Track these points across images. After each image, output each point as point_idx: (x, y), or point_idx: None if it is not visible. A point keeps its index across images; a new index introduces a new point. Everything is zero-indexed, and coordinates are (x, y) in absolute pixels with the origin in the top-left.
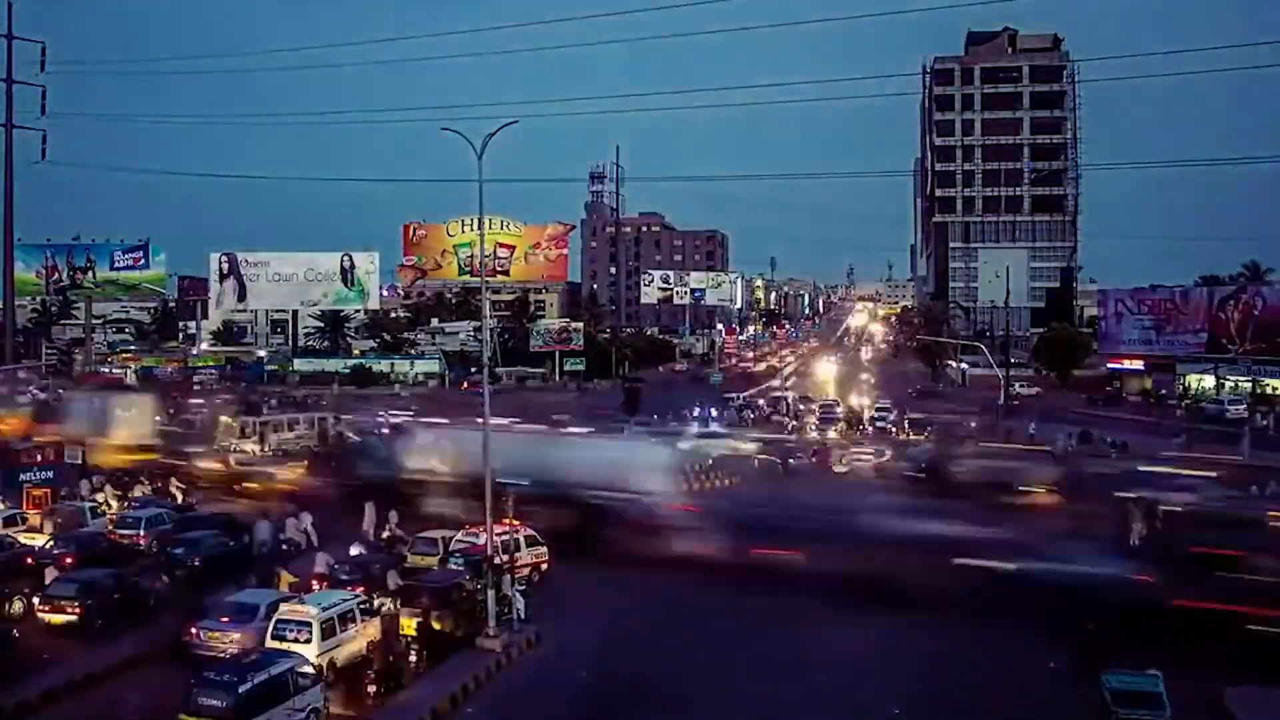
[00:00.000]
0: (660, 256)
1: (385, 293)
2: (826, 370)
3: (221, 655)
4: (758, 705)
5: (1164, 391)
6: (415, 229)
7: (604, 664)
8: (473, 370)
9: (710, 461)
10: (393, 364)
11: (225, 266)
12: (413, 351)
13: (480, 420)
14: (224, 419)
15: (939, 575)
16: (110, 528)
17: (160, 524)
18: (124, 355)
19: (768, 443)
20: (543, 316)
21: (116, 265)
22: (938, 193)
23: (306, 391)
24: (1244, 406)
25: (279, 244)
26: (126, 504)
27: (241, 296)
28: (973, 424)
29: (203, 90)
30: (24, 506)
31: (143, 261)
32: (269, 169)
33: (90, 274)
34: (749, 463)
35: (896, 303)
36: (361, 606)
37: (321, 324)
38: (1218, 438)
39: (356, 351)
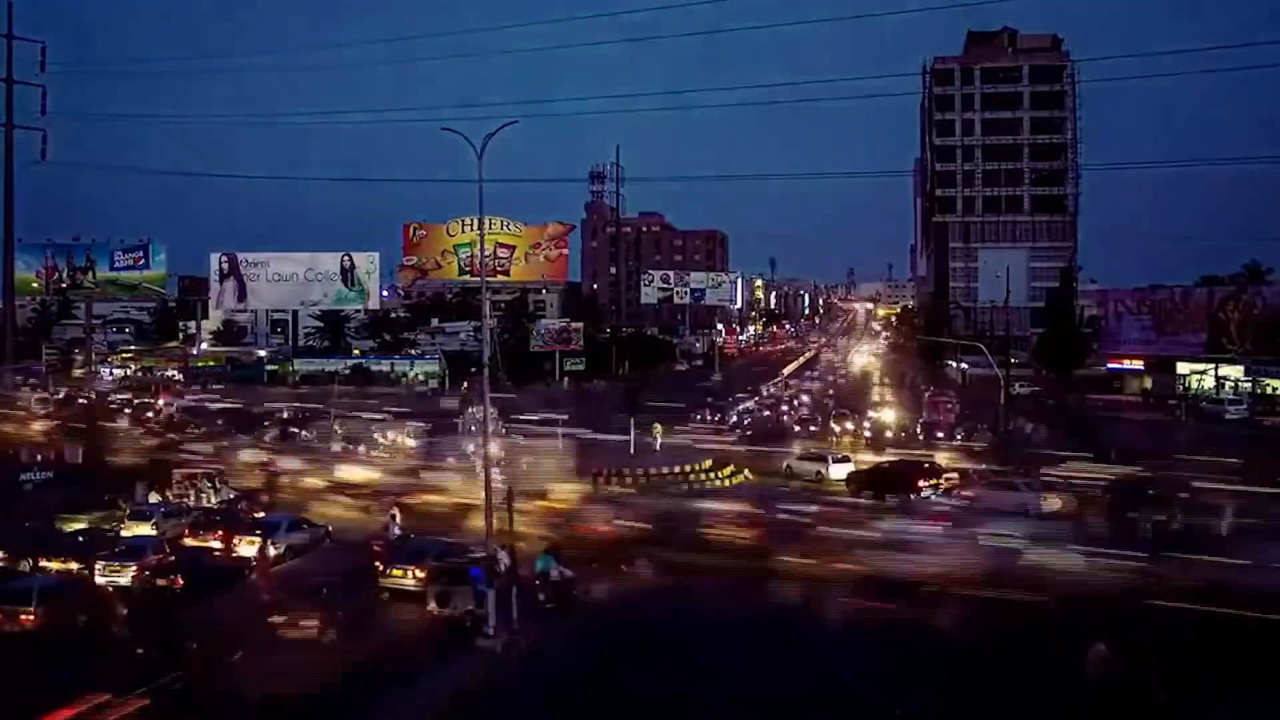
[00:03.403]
0: (660, 256)
1: (385, 293)
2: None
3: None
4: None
5: (1165, 394)
6: (415, 229)
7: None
8: (473, 370)
9: None
10: (393, 364)
11: (225, 266)
12: (413, 351)
13: None
14: None
15: None
16: None
17: None
18: (124, 355)
19: None
20: (543, 316)
21: (116, 265)
22: (938, 193)
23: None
24: (1244, 406)
25: (279, 244)
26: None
27: (241, 296)
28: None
29: (202, 90)
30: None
31: (143, 261)
32: (269, 169)
33: (90, 274)
34: None
35: (896, 303)
36: None
37: (321, 324)
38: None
39: (356, 351)
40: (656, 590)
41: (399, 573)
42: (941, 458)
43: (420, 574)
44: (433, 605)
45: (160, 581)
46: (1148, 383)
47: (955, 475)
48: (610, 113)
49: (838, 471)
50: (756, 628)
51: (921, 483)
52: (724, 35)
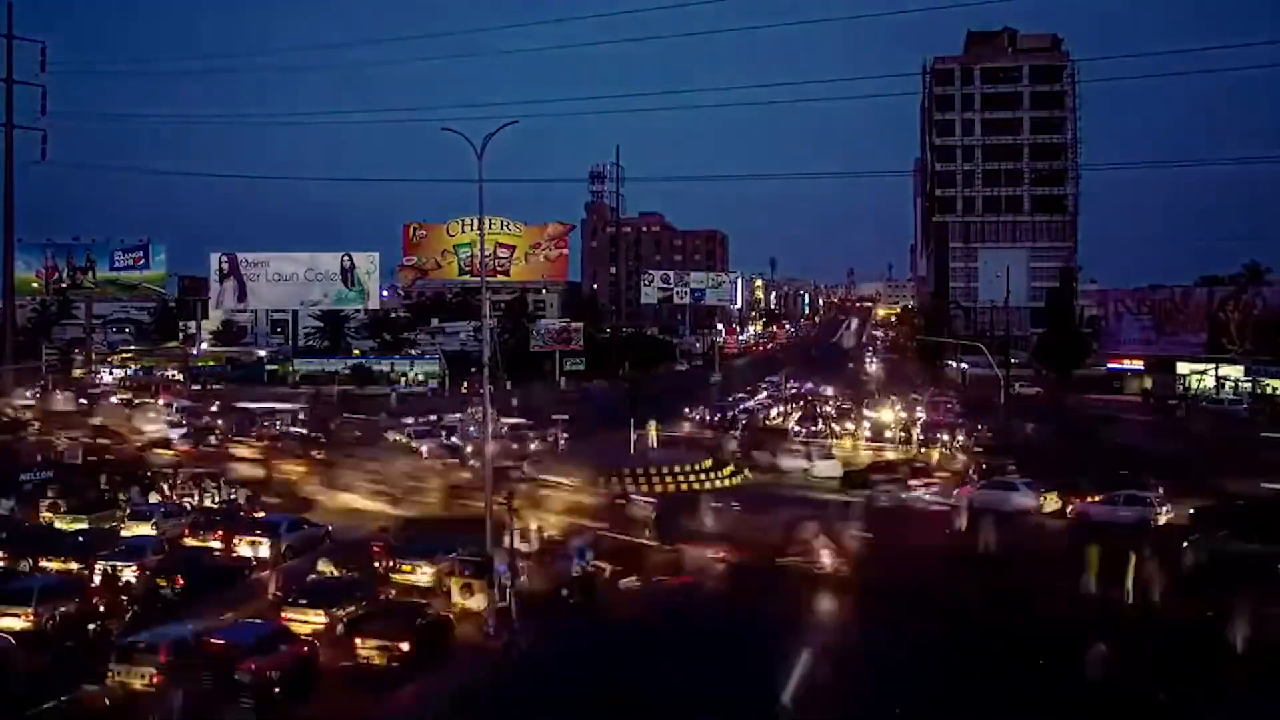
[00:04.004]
0: (660, 256)
1: (385, 293)
2: None
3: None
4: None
5: (1165, 391)
6: (415, 229)
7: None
8: (473, 370)
9: None
10: (393, 364)
11: (225, 266)
12: (413, 351)
13: None
14: None
15: None
16: None
17: None
18: (124, 355)
19: None
20: (543, 316)
21: (116, 265)
22: (938, 193)
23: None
24: (1244, 406)
25: (279, 244)
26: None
27: (241, 296)
28: None
29: (203, 90)
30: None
31: (143, 261)
32: (269, 169)
33: (90, 274)
34: None
35: (896, 303)
36: None
37: (321, 324)
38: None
39: (356, 351)
40: (667, 589)
41: (408, 569)
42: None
43: (429, 569)
44: (458, 598)
45: (160, 581)
46: (1148, 383)
47: (948, 474)
48: (610, 113)
49: (823, 469)
50: (763, 628)
51: (913, 481)
52: (724, 35)
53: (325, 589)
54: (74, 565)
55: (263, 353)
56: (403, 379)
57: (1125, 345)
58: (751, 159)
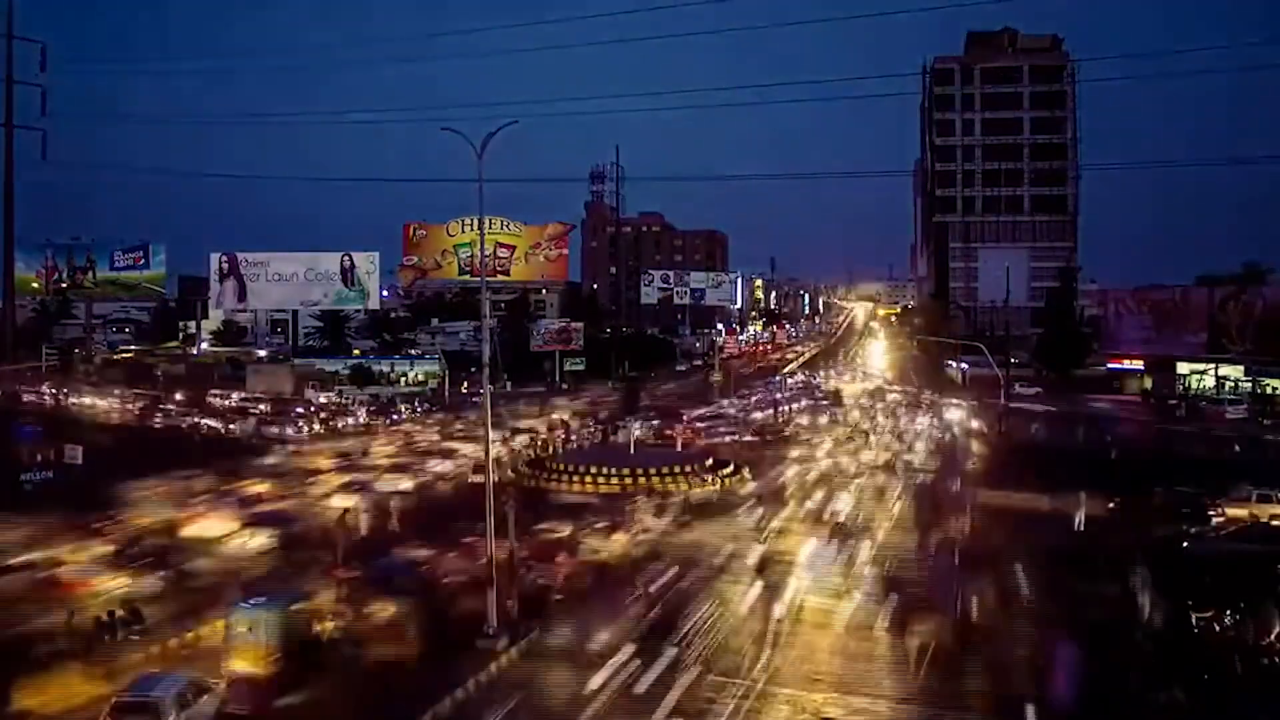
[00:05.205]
0: (660, 256)
1: (385, 293)
2: None
3: None
4: None
5: (1165, 391)
6: (415, 229)
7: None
8: (472, 370)
9: None
10: (393, 364)
11: (225, 266)
12: (413, 351)
13: None
14: None
15: None
16: None
17: None
18: (124, 355)
19: None
20: (543, 316)
21: (116, 265)
22: (938, 193)
23: None
24: (1244, 406)
25: (279, 244)
26: None
27: (241, 296)
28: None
29: (203, 90)
30: None
31: (143, 261)
32: (269, 169)
33: (90, 274)
34: None
35: (896, 303)
36: None
37: (321, 324)
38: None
39: (356, 352)
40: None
41: None
42: None
43: None
44: None
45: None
46: (1148, 383)
47: None
48: (610, 112)
49: None
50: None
51: None
52: (724, 35)
53: None
54: None
55: (263, 353)
56: (403, 379)
57: (1125, 345)
58: (751, 159)
